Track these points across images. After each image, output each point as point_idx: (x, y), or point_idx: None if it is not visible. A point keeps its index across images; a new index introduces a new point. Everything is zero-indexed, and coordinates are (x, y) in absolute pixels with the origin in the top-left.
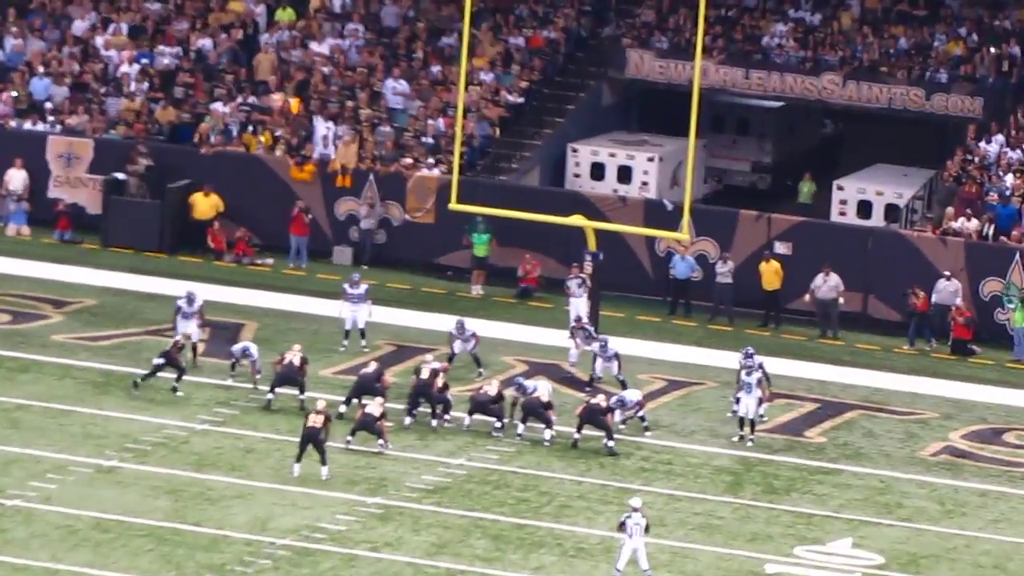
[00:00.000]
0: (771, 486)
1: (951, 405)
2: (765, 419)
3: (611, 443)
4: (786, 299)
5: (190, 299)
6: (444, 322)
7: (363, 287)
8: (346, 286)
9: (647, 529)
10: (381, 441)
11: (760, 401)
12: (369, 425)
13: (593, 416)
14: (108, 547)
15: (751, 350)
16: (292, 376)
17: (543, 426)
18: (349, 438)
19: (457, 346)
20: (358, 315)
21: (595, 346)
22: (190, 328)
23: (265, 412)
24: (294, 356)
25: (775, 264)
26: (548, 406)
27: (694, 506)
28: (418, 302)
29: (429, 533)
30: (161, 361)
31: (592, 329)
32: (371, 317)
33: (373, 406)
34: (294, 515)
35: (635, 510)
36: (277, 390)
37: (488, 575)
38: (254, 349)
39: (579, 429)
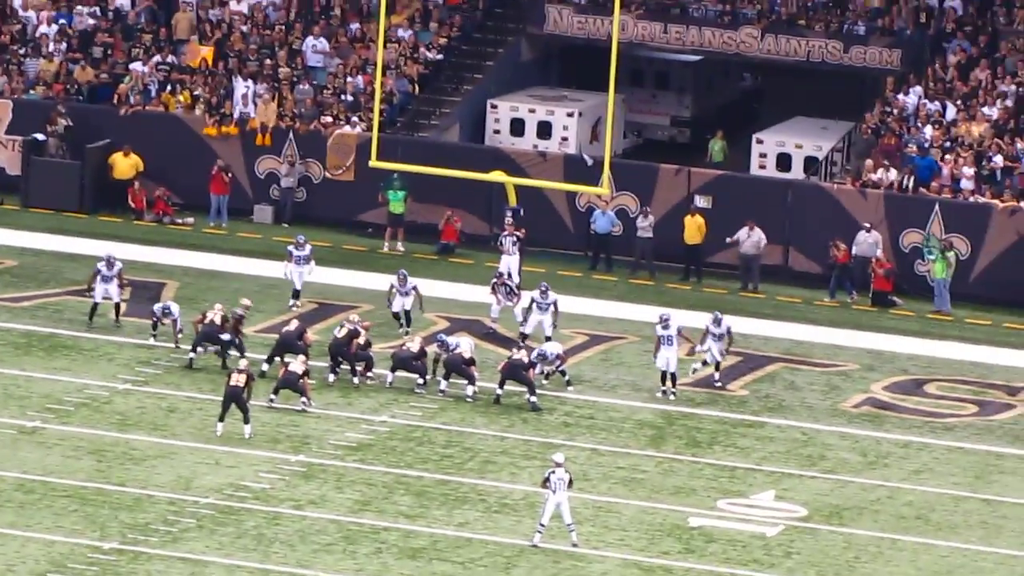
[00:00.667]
0: (694, 439)
1: (872, 357)
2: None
3: (534, 398)
4: (706, 252)
5: (109, 262)
6: (364, 279)
7: (308, 248)
8: (291, 248)
9: (570, 484)
10: (304, 399)
11: (719, 361)
12: (292, 383)
13: (515, 371)
14: (32, 508)
15: (719, 315)
16: (213, 335)
17: (466, 382)
18: (272, 396)
19: (396, 303)
20: (303, 275)
21: (535, 295)
22: (111, 290)
23: (187, 371)
24: (215, 315)
25: (699, 219)
26: (470, 362)
27: (617, 460)
28: (339, 259)
29: (353, 490)
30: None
31: (514, 284)
32: (310, 276)
33: (296, 364)
34: (217, 474)
35: (558, 465)
36: (199, 349)
37: (412, 531)
38: (175, 308)
39: (501, 385)
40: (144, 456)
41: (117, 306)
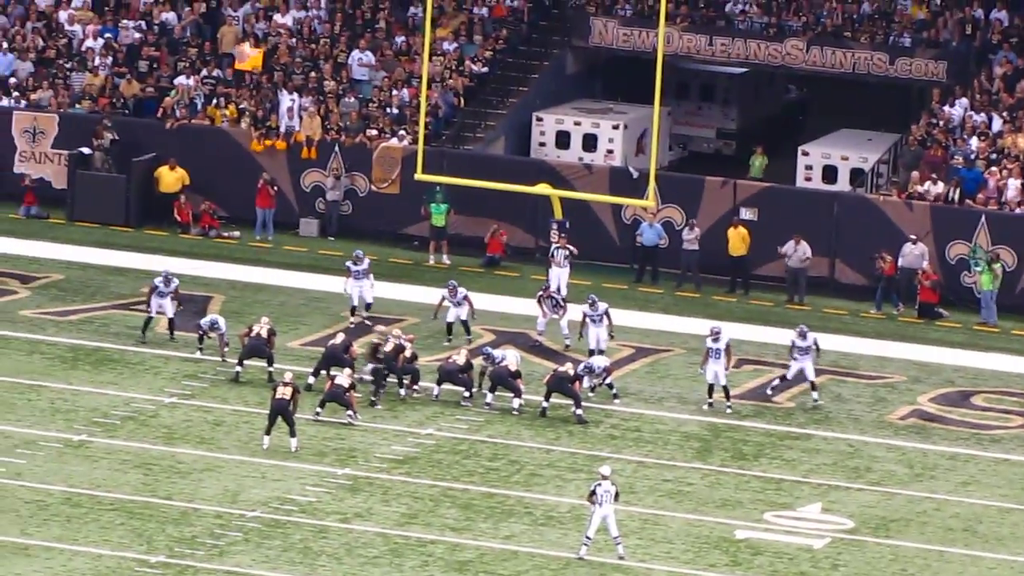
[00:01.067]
0: (740, 452)
1: (919, 368)
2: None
3: (579, 411)
4: (752, 265)
5: (167, 279)
6: (410, 292)
7: (366, 262)
8: (349, 263)
9: (617, 497)
10: (350, 412)
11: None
12: (338, 396)
13: (560, 384)
14: (78, 522)
15: (805, 328)
16: (260, 348)
17: (512, 395)
18: (318, 410)
19: (451, 314)
20: (363, 290)
21: (585, 308)
22: (165, 305)
23: (233, 384)
24: (262, 328)
25: (743, 230)
26: (516, 375)
27: (664, 473)
28: (385, 272)
29: (399, 503)
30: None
31: (560, 298)
32: (374, 290)
33: (342, 377)
34: (264, 487)
35: (604, 478)
36: (245, 362)
37: (458, 544)
38: (222, 322)
39: (547, 397)
40: (191, 469)
41: (171, 321)
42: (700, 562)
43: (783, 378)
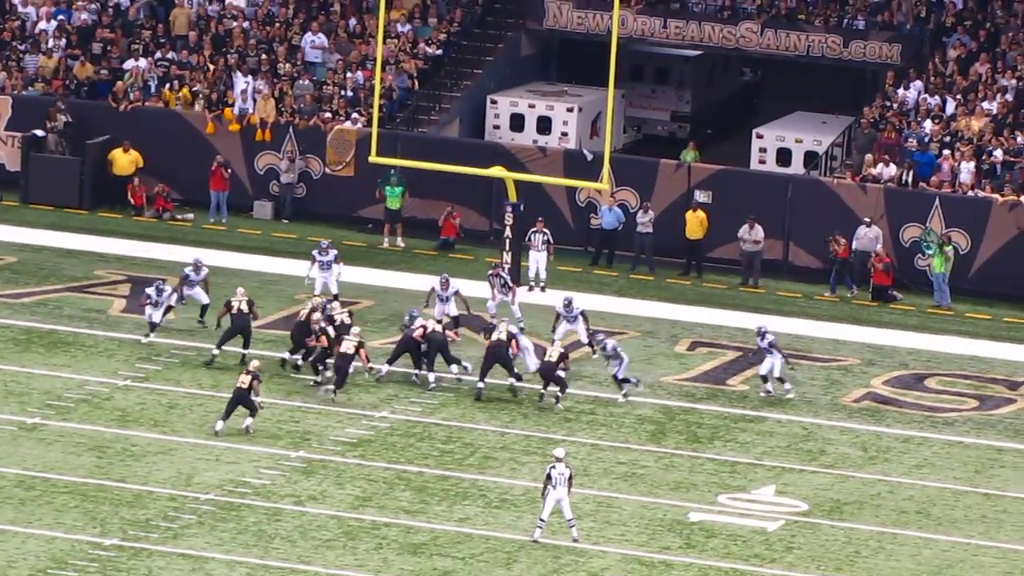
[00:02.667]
0: (694, 435)
1: (872, 351)
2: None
3: (516, 381)
4: (706, 247)
5: (197, 267)
6: (364, 275)
7: (332, 253)
8: (315, 252)
9: (571, 479)
10: (371, 366)
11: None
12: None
13: (499, 355)
14: (32, 504)
15: (763, 328)
16: (245, 327)
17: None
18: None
19: (437, 309)
20: (328, 280)
21: (559, 307)
22: (199, 294)
23: (187, 367)
24: (241, 302)
25: (701, 214)
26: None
27: (618, 455)
28: (340, 256)
29: (353, 486)
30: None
31: (508, 278)
32: (341, 278)
33: (348, 344)
34: (218, 470)
35: (559, 460)
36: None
37: (413, 527)
38: (168, 286)
39: (483, 374)
40: (144, 452)
41: (204, 308)
42: (654, 545)
43: (763, 378)
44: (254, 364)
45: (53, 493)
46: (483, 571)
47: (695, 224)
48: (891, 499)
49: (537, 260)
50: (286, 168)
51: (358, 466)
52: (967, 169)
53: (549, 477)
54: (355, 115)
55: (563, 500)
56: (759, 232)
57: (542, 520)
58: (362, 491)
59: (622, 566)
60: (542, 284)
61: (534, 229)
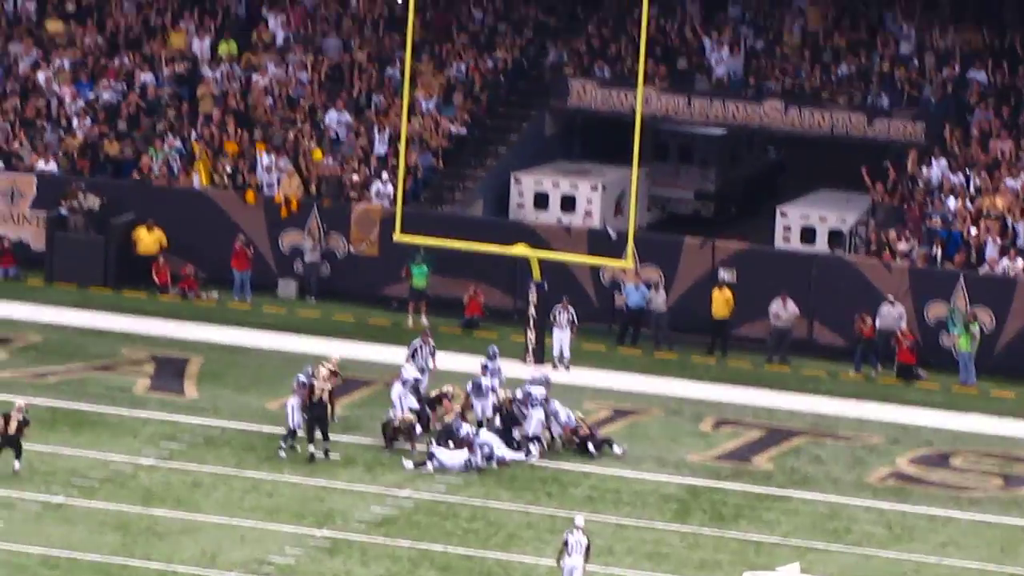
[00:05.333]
0: (719, 513)
1: (897, 430)
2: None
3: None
4: (732, 325)
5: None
6: (387, 353)
7: (497, 362)
8: (484, 360)
9: (588, 548)
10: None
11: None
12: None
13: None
14: None
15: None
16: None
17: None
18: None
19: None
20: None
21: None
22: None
23: (211, 446)
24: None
25: (727, 293)
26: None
27: (642, 534)
28: (363, 334)
29: (378, 565)
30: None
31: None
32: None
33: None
34: (242, 548)
35: (577, 527)
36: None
37: None
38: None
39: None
40: (168, 531)
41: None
42: None
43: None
44: (20, 402)
45: (77, 571)
46: None
47: (721, 303)
48: None
49: (561, 339)
50: (311, 247)
51: (383, 545)
52: (992, 246)
53: (566, 544)
54: (380, 183)
55: (577, 569)
56: (792, 307)
57: None
58: (386, 570)
59: None
60: (565, 363)
61: (559, 307)
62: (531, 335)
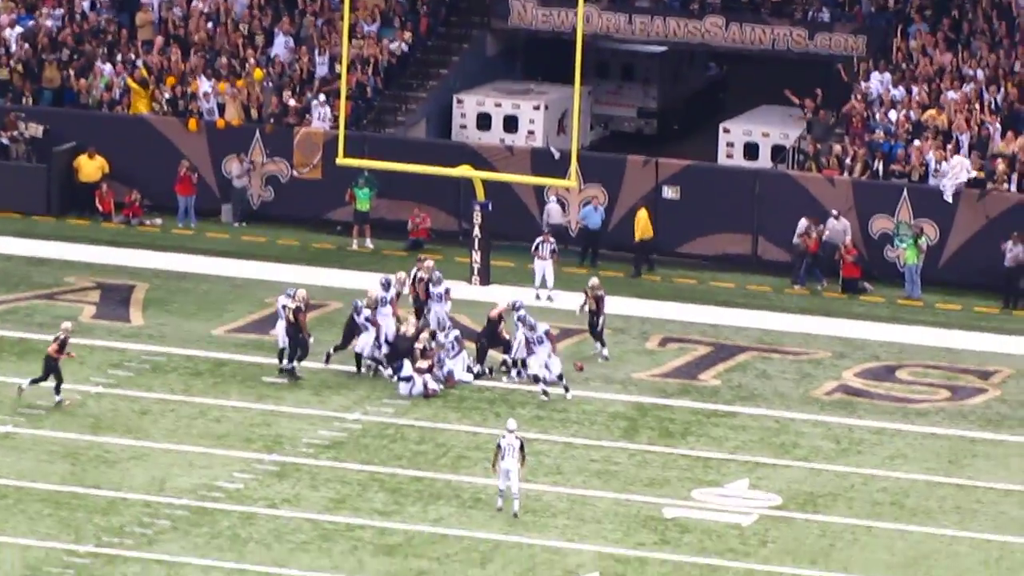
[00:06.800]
0: (667, 430)
1: (843, 344)
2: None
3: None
4: (676, 242)
5: (386, 285)
6: (334, 277)
7: (444, 285)
8: (429, 286)
9: (522, 449)
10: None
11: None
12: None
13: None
14: (6, 512)
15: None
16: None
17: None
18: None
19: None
20: (441, 314)
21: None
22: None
23: (159, 373)
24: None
25: (643, 213)
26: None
27: (591, 452)
28: (308, 258)
29: (327, 488)
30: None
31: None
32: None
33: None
34: (191, 475)
35: (509, 431)
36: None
37: (387, 528)
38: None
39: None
40: (118, 459)
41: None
42: (629, 541)
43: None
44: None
45: (27, 501)
46: (458, 571)
47: (642, 224)
48: (865, 491)
49: (543, 268)
50: (238, 173)
51: (331, 468)
52: (934, 159)
53: (499, 447)
54: (319, 99)
55: (512, 471)
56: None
57: (501, 491)
58: (336, 493)
59: (597, 562)
60: (549, 294)
61: (541, 238)
62: (476, 256)
